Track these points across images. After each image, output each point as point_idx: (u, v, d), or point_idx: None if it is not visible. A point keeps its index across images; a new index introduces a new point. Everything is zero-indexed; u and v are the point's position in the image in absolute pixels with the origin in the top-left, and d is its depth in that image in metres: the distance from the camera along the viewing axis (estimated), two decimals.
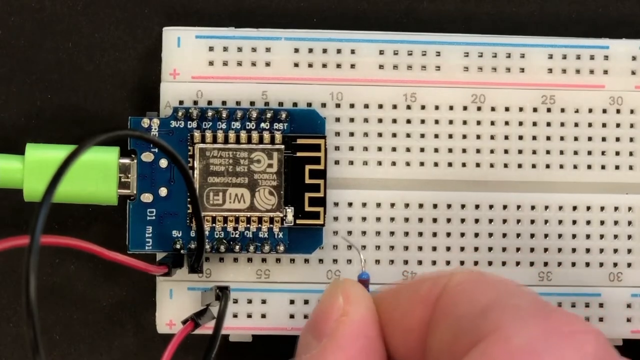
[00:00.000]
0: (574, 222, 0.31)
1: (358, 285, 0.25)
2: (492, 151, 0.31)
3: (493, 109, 0.31)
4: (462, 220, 0.30)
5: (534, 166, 0.31)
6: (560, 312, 0.22)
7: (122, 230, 0.30)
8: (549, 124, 0.31)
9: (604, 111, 0.31)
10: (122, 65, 0.32)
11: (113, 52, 0.32)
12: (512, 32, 0.32)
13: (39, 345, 0.18)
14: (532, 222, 0.31)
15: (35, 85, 0.31)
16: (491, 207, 0.31)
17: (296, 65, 0.30)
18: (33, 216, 0.20)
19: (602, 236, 0.31)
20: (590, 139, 0.31)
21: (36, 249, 0.20)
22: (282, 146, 0.29)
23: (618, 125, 0.31)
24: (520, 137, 0.31)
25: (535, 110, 0.31)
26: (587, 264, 0.31)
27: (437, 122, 0.31)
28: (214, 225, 0.29)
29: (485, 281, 0.23)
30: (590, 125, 0.31)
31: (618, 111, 0.31)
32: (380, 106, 0.30)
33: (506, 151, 0.31)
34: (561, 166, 0.31)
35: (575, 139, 0.31)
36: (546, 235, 0.31)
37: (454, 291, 0.23)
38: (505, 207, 0.31)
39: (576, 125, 0.31)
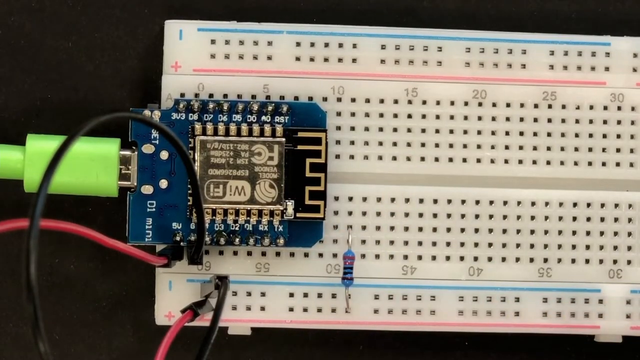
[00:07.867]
0: (574, 218, 0.31)
1: None
2: (492, 147, 0.31)
3: (494, 104, 0.31)
4: (462, 216, 0.30)
5: (534, 162, 0.31)
6: None
7: (122, 223, 0.30)
8: (550, 121, 0.31)
9: (605, 108, 0.31)
10: (122, 65, 0.31)
11: (113, 51, 0.32)
12: (512, 31, 0.32)
13: (38, 320, 0.18)
14: (532, 218, 0.31)
15: (35, 85, 0.31)
16: (491, 203, 0.31)
17: (298, 59, 0.30)
18: (34, 194, 0.20)
19: (602, 233, 0.31)
20: (591, 135, 0.31)
21: (37, 226, 0.19)
22: (283, 139, 0.29)
23: (619, 122, 0.31)
24: (521, 133, 0.31)
25: (536, 106, 0.31)
26: (587, 261, 0.31)
27: (438, 117, 0.31)
28: (214, 217, 0.29)
29: None
30: (591, 122, 0.31)
31: (619, 108, 0.31)
32: (382, 101, 0.30)
33: (507, 147, 0.31)
34: (562, 162, 0.31)
35: (576, 135, 0.31)
36: (546, 232, 0.31)
37: None
38: (505, 203, 0.31)
39: (577, 121, 0.31)
